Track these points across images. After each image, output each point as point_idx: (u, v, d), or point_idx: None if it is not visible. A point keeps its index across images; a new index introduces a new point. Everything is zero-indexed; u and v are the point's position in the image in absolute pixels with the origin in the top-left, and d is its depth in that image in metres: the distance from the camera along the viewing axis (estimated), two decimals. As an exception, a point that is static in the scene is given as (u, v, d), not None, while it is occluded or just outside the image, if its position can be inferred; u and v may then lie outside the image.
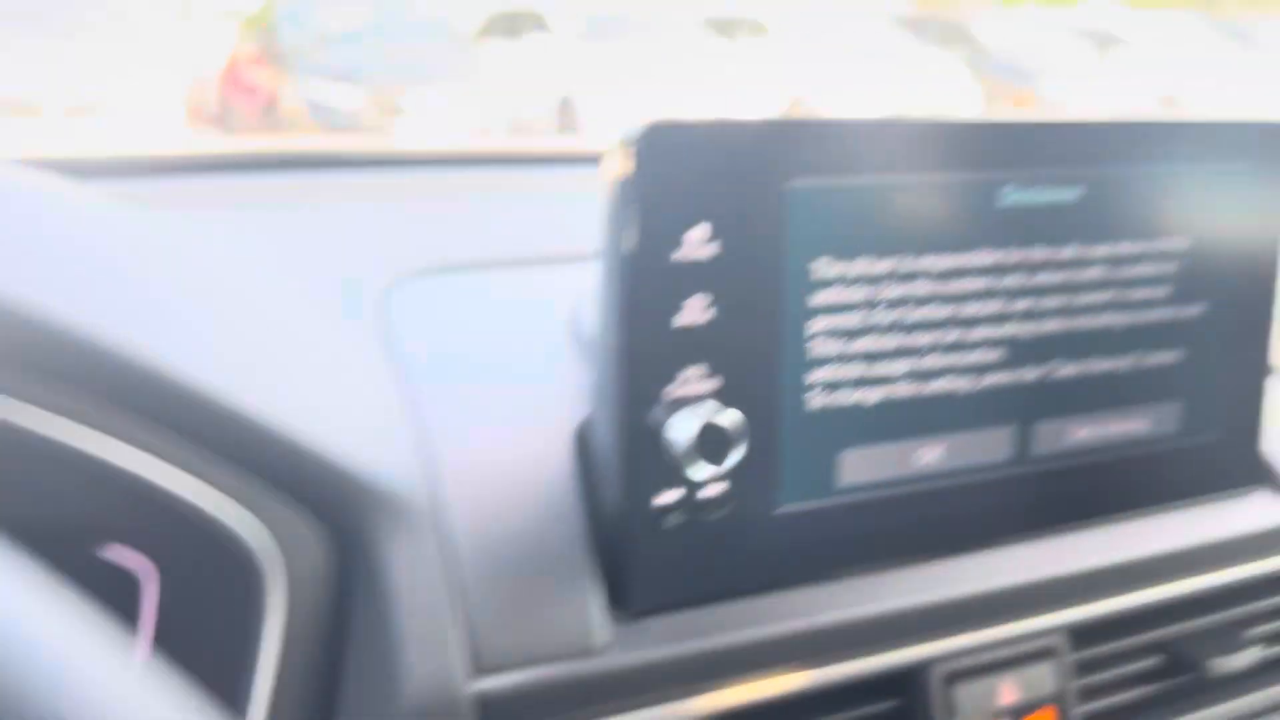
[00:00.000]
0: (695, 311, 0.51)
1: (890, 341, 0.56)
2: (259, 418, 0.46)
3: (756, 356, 0.53)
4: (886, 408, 0.57)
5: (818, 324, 0.54)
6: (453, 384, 0.57)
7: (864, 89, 9.57)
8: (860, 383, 0.56)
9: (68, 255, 0.46)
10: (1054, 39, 12.75)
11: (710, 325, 0.51)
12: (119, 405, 0.43)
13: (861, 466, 0.57)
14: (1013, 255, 0.58)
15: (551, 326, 0.63)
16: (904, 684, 0.64)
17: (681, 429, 0.50)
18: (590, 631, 0.51)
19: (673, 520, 0.52)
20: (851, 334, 0.55)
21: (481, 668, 0.48)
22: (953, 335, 0.58)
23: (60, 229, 0.49)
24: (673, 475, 0.52)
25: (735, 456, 0.52)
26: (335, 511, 0.48)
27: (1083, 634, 0.69)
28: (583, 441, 0.56)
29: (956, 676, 0.64)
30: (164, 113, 7.32)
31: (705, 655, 0.53)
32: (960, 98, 10.15)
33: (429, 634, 0.48)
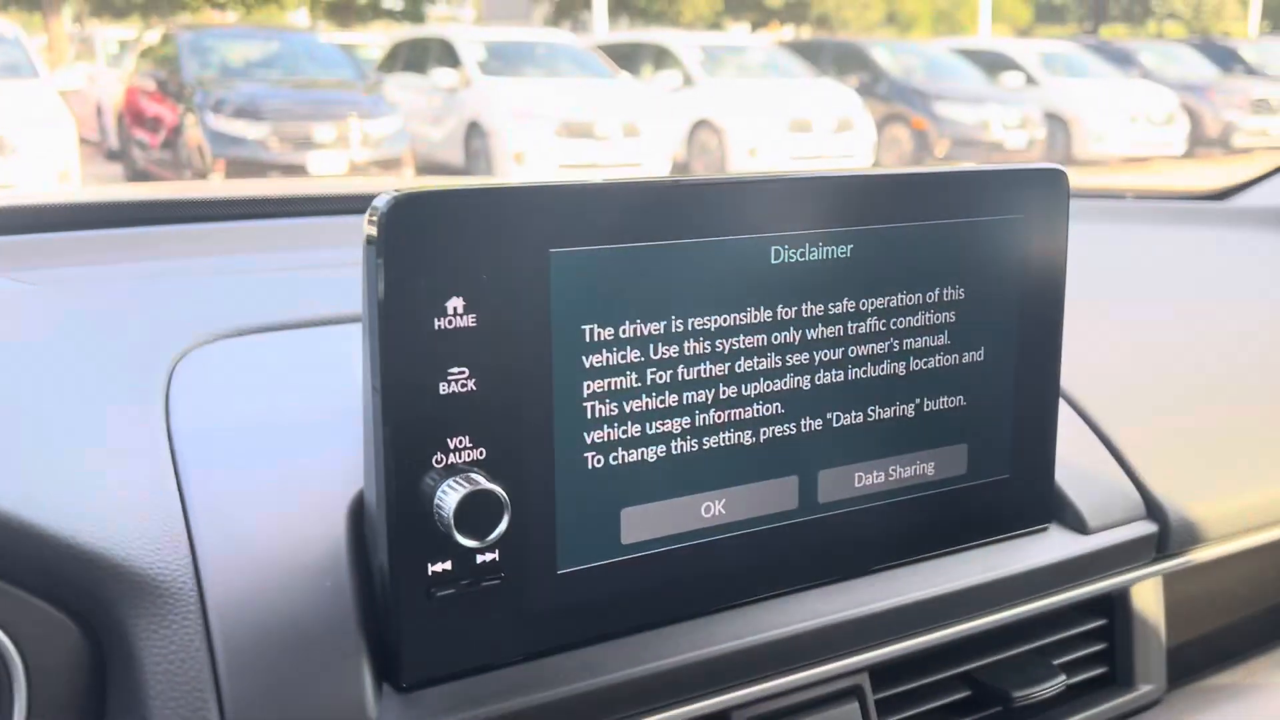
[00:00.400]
0: (459, 380, 0.51)
1: (667, 400, 0.58)
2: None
3: (526, 423, 0.53)
4: (667, 465, 0.58)
5: (592, 387, 0.55)
6: (230, 458, 0.57)
7: (758, 110, 9.75)
8: (639, 442, 0.57)
9: None
10: (949, 63, 13.11)
11: (473, 394, 0.51)
12: None
13: (645, 523, 0.58)
14: (786, 312, 0.60)
15: (351, 389, 0.63)
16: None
17: (446, 500, 0.51)
18: (359, 707, 0.51)
19: (445, 590, 0.52)
20: (627, 395, 0.56)
21: (241, 750, 0.48)
22: (730, 391, 0.59)
23: None
24: (443, 545, 0.52)
25: (501, 526, 0.52)
26: (85, 598, 0.48)
27: (885, 672, 0.71)
28: (358, 512, 0.56)
29: (760, 722, 0.65)
30: (58, 149, 7.13)
31: (485, 721, 0.53)
32: (851, 120, 10.38)
33: (183, 715, 0.47)
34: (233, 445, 0.58)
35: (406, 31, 14.38)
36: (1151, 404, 0.83)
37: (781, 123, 9.87)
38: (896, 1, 21.89)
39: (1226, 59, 15.07)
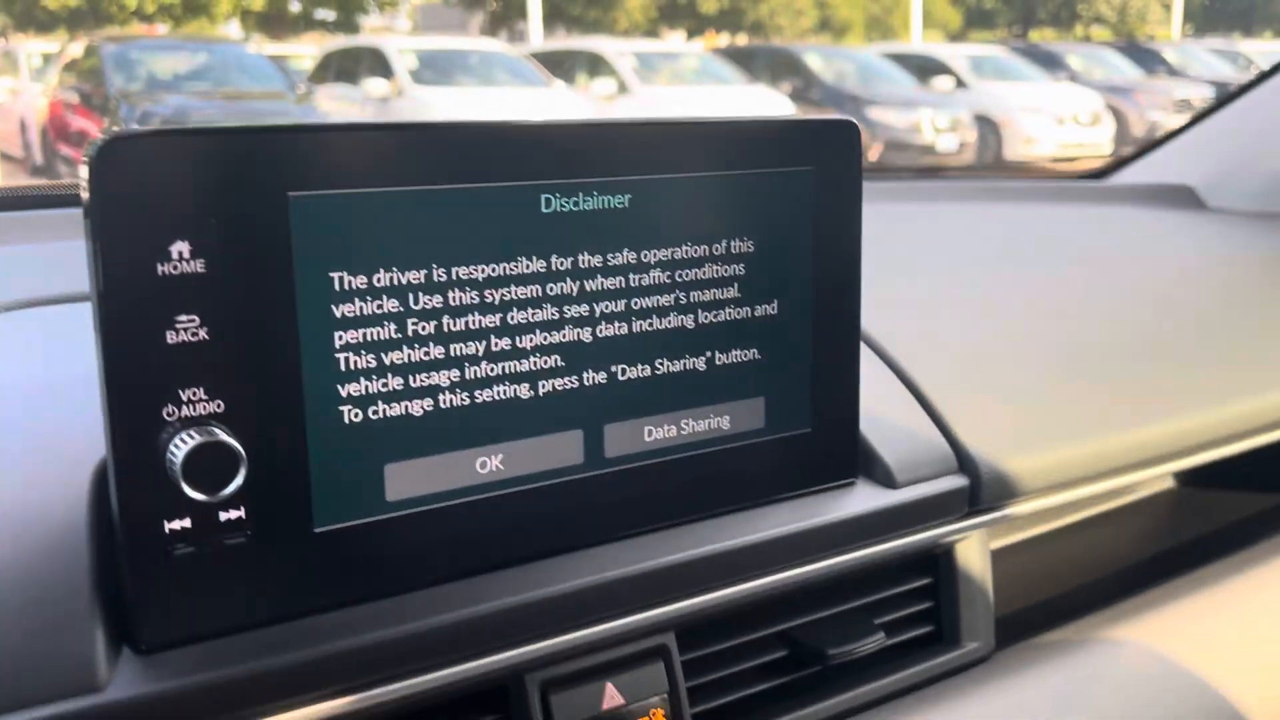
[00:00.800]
0: (189, 329, 0.49)
1: (432, 352, 0.56)
2: None
3: (269, 375, 0.52)
4: (435, 419, 0.57)
5: (345, 337, 0.54)
6: None
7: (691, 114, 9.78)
8: (402, 395, 0.56)
9: None
10: (881, 68, 13.28)
11: (207, 344, 0.50)
12: None
13: (413, 479, 0.57)
14: (561, 262, 0.59)
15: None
16: (500, 697, 0.63)
17: (177, 453, 0.49)
18: (89, 669, 0.49)
19: (184, 548, 0.51)
20: (386, 346, 0.55)
21: (-49, 717, 0.46)
22: (503, 343, 0.58)
23: None
24: (179, 501, 0.50)
25: (237, 481, 0.50)
26: None
27: (694, 632, 0.70)
28: (101, 476, 0.54)
29: (554, 685, 0.64)
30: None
31: (229, 683, 0.51)
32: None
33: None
34: None
35: (338, 42, 14.26)
36: (969, 363, 0.83)
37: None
38: (830, 8, 22.12)
39: (1150, 61, 15.45)
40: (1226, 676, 0.83)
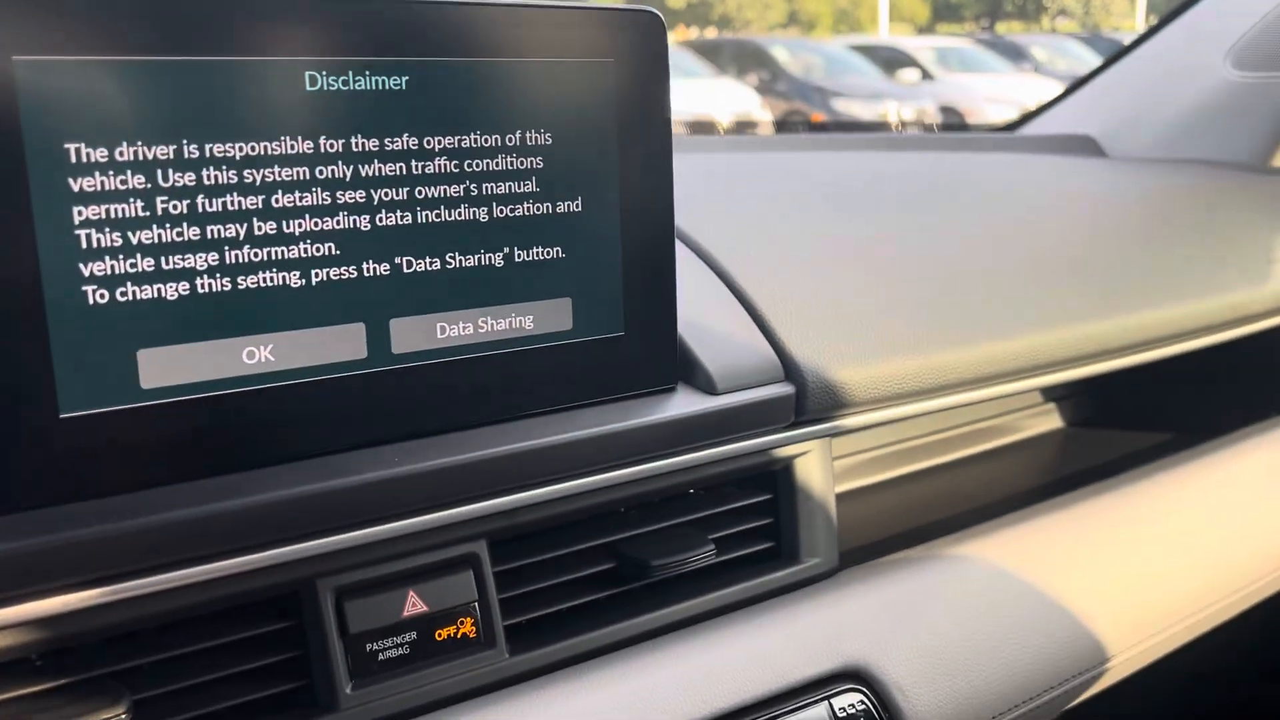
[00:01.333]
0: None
1: (186, 233, 0.54)
2: None
3: (3, 250, 0.49)
4: (193, 303, 0.55)
5: (85, 213, 0.52)
6: None
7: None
8: (154, 277, 0.53)
9: None
10: (848, 61, 13.32)
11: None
12: None
13: (170, 367, 0.55)
14: (331, 144, 0.57)
15: None
16: (294, 603, 0.61)
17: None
18: None
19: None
20: (133, 224, 0.53)
21: None
22: (267, 227, 0.56)
23: None
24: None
25: None
26: None
27: (511, 543, 0.68)
28: None
29: (350, 591, 0.62)
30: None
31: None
32: (749, 114, 10.47)
33: None
34: None
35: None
36: (806, 278, 0.82)
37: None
38: (798, 2, 22.15)
39: (1113, 52, 15.54)
40: (1066, 592, 0.82)
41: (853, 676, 0.72)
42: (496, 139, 0.62)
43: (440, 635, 0.64)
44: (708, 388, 0.71)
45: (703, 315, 0.74)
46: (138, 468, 0.55)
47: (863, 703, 0.71)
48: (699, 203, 0.83)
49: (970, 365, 0.82)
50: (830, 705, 0.70)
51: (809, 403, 0.74)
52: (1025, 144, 1.54)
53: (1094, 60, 15.04)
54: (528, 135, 0.63)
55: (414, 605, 0.64)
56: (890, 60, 13.68)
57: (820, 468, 0.79)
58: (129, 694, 0.56)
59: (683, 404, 0.70)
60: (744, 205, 0.92)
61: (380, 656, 0.62)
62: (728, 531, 0.76)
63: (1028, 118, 1.69)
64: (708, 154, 1.18)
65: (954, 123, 11.93)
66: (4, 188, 0.49)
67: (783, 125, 11.58)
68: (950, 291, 0.87)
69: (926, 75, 13.22)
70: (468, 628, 0.65)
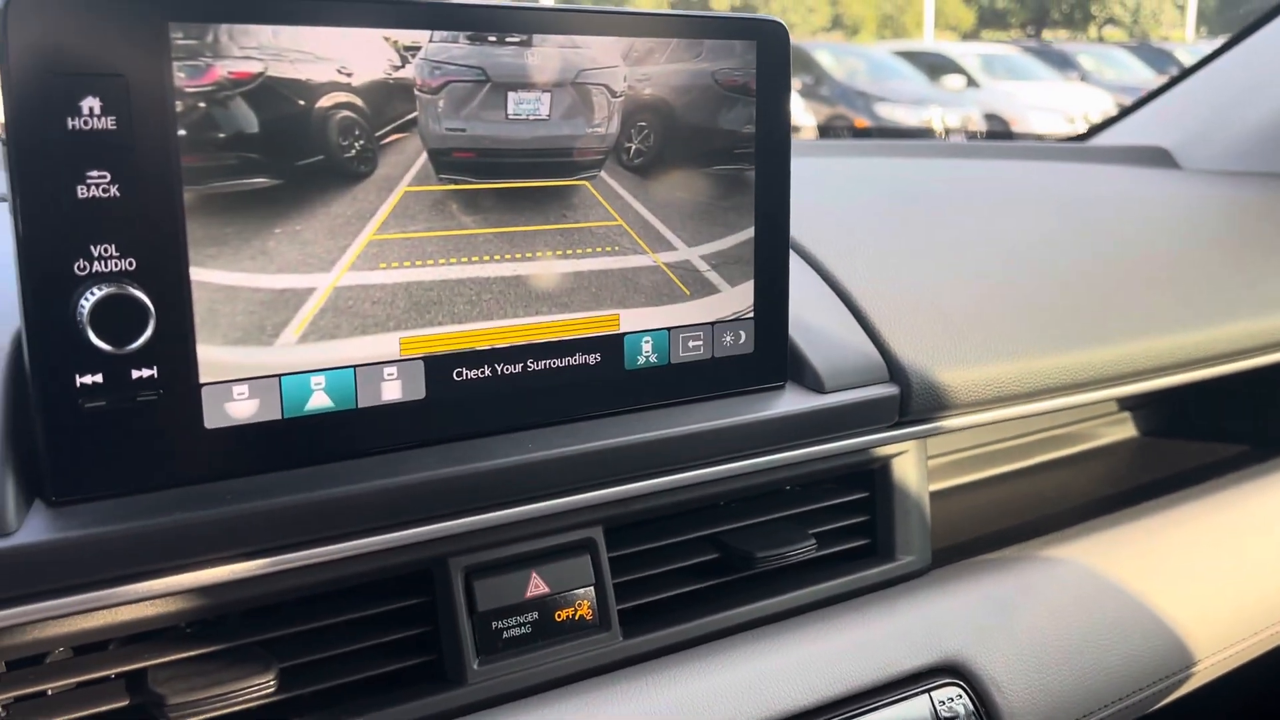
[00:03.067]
0: (99, 185, 0.50)
1: (348, 226, 0.57)
2: None
3: (175, 235, 0.52)
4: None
5: (260, 207, 0.55)
6: None
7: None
8: (317, 267, 0.56)
9: None
10: (892, 66, 13.27)
11: (118, 201, 0.51)
12: None
13: (329, 352, 0.58)
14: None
15: None
16: (425, 580, 0.64)
17: (86, 305, 0.50)
18: (2, 515, 0.50)
19: (95, 402, 0.52)
20: (301, 218, 0.56)
21: None
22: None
23: None
24: (92, 356, 0.51)
25: (145, 335, 0.51)
26: None
27: (623, 530, 0.71)
28: (19, 339, 0.55)
29: (478, 570, 0.64)
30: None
31: (134, 537, 0.52)
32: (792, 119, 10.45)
33: None
34: None
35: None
36: (910, 281, 0.84)
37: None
38: (842, 6, 22.11)
39: (1162, 62, 15.38)
40: (1157, 596, 0.84)
41: (951, 671, 0.74)
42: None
43: (560, 616, 0.67)
44: (816, 386, 0.73)
45: (810, 316, 0.76)
46: (296, 447, 0.57)
47: (961, 696, 0.73)
48: (796, 207, 0.85)
49: (1067, 371, 0.84)
50: (931, 698, 0.72)
51: (912, 404, 0.76)
52: (1098, 154, 1.55)
53: (1142, 69, 14.89)
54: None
55: (536, 586, 0.66)
56: (935, 66, 13.60)
57: (916, 467, 0.81)
58: (276, 662, 0.59)
59: (792, 401, 0.72)
60: (840, 209, 0.94)
61: (505, 635, 0.65)
62: (826, 527, 0.78)
63: (1099, 128, 1.70)
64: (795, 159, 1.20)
65: (999, 130, 11.85)
66: (175, 181, 0.52)
67: (826, 130, 11.55)
68: (1045, 297, 0.89)
69: (971, 82, 13.13)
70: (585, 610, 0.68)
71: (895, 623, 0.75)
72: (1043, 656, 0.77)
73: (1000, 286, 0.88)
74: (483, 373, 0.62)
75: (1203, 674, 0.87)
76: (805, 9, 21.45)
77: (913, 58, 13.92)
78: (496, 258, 0.62)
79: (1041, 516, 0.96)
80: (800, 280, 0.78)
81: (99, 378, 0.52)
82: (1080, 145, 1.66)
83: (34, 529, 0.50)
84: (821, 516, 0.79)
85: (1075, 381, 0.84)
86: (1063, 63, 14.76)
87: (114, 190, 0.51)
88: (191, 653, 0.58)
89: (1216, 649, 0.87)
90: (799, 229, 0.79)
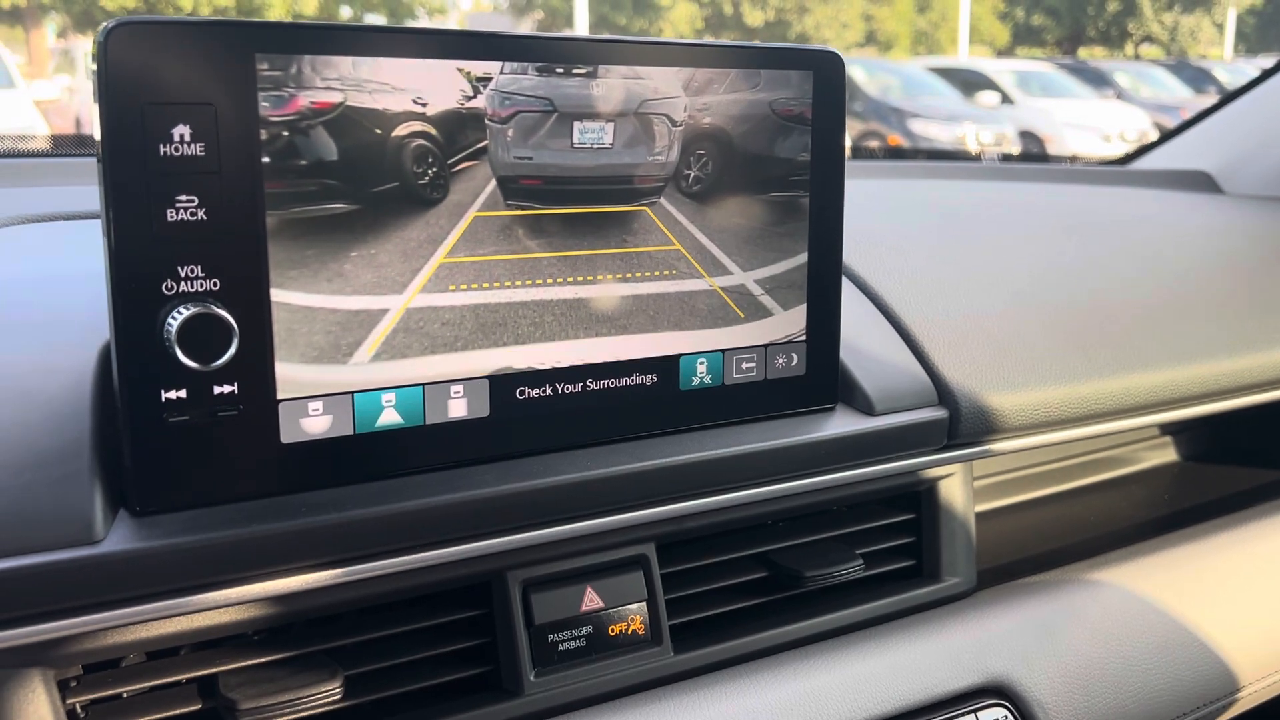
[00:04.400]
0: (187, 209, 0.53)
1: (419, 250, 0.59)
2: None
3: (257, 257, 0.55)
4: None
5: (337, 231, 0.57)
6: None
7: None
8: (390, 289, 0.59)
9: None
10: (926, 82, 13.24)
11: (205, 224, 0.53)
12: None
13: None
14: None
15: None
16: (483, 594, 0.66)
17: (173, 323, 0.52)
18: (86, 526, 0.52)
19: (179, 416, 0.54)
20: (375, 241, 0.58)
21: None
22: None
23: None
24: (176, 372, 0.53)
25: (229, 352, 0.53)
26: None
27: (675, 548, 0.72)
28: (107, 355, 0.57)
29: (535, 584, 0.66)
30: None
31: (214, 547, 0.54)
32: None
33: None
34: (15, 288, 0.60)
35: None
36: (958, 305, 0.85)
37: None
38: (876, 22, 22.11)
39: (1200, 80, 15.26)
40: (1202, 621, 0.84)
41: (996, 692, 0.75)
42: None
43: (613, 630, 0.68)
44: (866, 409, 0.75)
45: (860, 339, 0.78)
46: (367, 460, 0.59)
47: (1006, 717, 0.74)
48: (846, 230, 0.87)
49: (1113, 396, 0.85)
50: (977, 718, 0.73)
51: (961, 427, 0.77)
52: (1140, 178, 1.55)
53: (1179, 88, 14.77)
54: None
55: (591, 601, 0.68)
56: (969, 82, 13.55)
57: (963, 490, 0.82)
58: (342, 670, 0.61)
59: (842, 423, 0.73)
60: (888, 233, 0.95)
61: (560, 648, 0.67)
62: (873, 548, 0.80)
63: (1140, 152, 1.70)
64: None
65: (1034, 149, 11.79)
66: (259, 205, 0.55)
67: (859, 147, 11.54)
68: (1092, 322, 0.90)
69: (1006, 99, 13.08)
70: (637, 625, 0.69)
71: (941, 643, 0.76)
72: (1087, 679, 0.78)
73: (1046, 310, 0.89)
74: (544, 392, 0.64)
75: (1247, 700, 0.88)
76: (839, 25, 21.46)
77: (947, 74, 13.89)
78: (559, 280, 0.64)
79: (1085, 539, 0.96)
80: (851, 304, 0.80)
81: (183, 393, 0.54)
82: (1122, 169, 1.66)
83: (119, 538, 0.53)
84: (869, 537, 0.80)
85: (1120, 407, 0.85)
86: (1099, 80, 14.68)
87: (201, 214, 0.53)
88: (260, 660, 0.61)
89: (1261, 675, 0.88)
90: (849, 253, 0.80)
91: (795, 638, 0.74)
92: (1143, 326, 0.92)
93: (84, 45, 14.98)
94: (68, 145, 1.07)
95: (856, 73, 13.25)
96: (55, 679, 0.55)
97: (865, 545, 0.79)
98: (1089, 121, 12.11)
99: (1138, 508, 1.06)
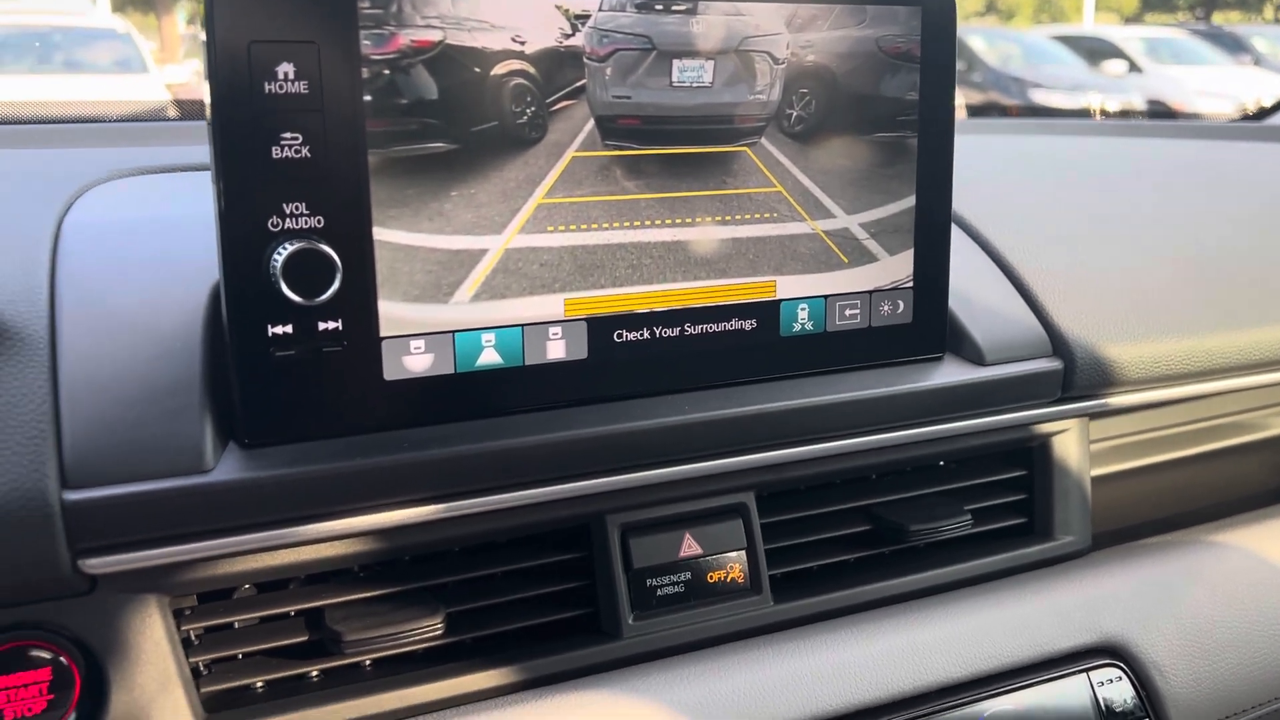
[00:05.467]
0: (291, 146, 0.54)
1: (518, 190, 0.59)
2: None
3: (360, 195, 0.55)
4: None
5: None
6: (107, 243, 0.61)
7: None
8: (489, 229, 0.59)
9: None
10: (1048, 51, 12.79)
11: (309, 162, 0.54)
12: None
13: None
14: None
15: None
16: (583, 537, 0.66)
17: (279, 258, 0.53)
18: (197, 456, 0.53)
19: (285, 351, 0.55)
20: (475, 181, 0.58)
21: (74, 483, 0.51)
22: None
23: None
24: (282, 308, 0.55)
25: (333, 287, 0.54)
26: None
27: (777, 498, 0.71)
28: (217, 295, 0.59)
29: (634, 529, 0.66)
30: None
31: (319, 478, 0.55)
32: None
33: (20, 448, 0.51)
34: (113, 235, 0.62)
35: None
36: (1075, 255, 0.82)
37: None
38: (997, -9, 21.43)
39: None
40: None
41: (1110, 652, 0.72)
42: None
43: (712, 578, 0.68)
44: (975, 358, 0.72)
45: (970, 287, 0.75)
46: (468, 399, 0.60)
47: (1121, 679, 0.71)
48: (957, 181, 0.84)
49: (1238, 350, 0.80)
50: (1089, 678, 0.70)
51: (1076, 378, 0.74)
52: (1274, 134, 1.47)
53: (1322, 52, 13.94)
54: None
55: (689, 547, 0.68)
56: (1094, 51, 13.03)
57: (1078, 446, 0.79)
58: (444, 607, 0.62)
59: (950, 373, 0.71)
60: (1001, 184, 0.92)
61: (659, 592, 0.67)
62: (982, 504, 0.77)
63: (1276, 108, 1.61)
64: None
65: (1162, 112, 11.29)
66: (360, 143, 0.55)
67: (973, 109, 11.21)
68: (1216, 275, 0.85)
69: (1134, 67, 12.55)
70: (736, 573, 0.69)
71: (1053, 601, 0.73)
72: (1208, 643, 0.74)
73: (1169, 263, 0.85)
74: (642, 335, 0.64)
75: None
76: (957, -6, 20.81)
77: (1071, 43, 13.38)
78: (657, 222, 0.63)
79: (1209, 504, 0.92)
80: (961, 252, 0.77)
81: (289, 329, 0.55)
82: (1256, 125, 1.58)
83: (228, 468, 0.54)
84: (977, 493, 0.78)
85: (1243, 362, 0.81)
86: (1234, 46, 13.94)
87: (305, 151, 0.54)
88: (365, 594, 0.62)
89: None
90: (959, 202, 0.77)
91: (898, 592, 0.72)
92: (1268, 280, 0.87)
93: (212, 32, 15.45)
94: (190, 111, 1.11)
95: (976, 42, 12.86)
96: (170, 606, 0.57)
97: (974, 501, 0.77)
98: (1223, 89, 11.52)
99: (1266, 473, 1.01)
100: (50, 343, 0.54)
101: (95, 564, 0.52)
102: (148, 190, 0.70)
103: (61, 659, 0.54)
